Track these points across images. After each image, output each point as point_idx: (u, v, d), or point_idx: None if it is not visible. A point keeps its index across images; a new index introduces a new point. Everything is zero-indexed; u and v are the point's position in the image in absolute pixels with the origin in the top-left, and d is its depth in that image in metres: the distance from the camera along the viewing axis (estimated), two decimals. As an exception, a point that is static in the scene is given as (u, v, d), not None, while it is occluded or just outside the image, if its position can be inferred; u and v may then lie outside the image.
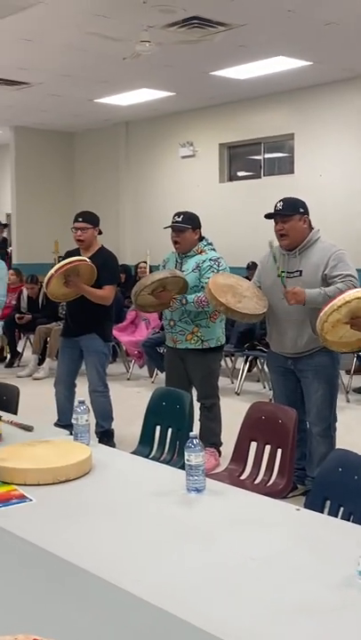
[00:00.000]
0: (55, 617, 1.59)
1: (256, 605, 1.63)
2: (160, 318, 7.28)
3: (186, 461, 2.31)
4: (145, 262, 9.69)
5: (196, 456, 2.29)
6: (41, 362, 8.37)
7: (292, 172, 10.29)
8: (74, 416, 2.78)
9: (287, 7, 6.50)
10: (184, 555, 1.91)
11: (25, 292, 9.07)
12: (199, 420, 4.87)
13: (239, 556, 1.88)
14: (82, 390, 5.18)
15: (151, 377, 7.95)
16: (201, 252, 4.69)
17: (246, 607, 1.63)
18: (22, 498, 2.27)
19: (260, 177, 10.90)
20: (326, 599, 1.65)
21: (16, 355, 9.01)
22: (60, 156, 13.40)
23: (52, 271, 4.81)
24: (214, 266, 4.60)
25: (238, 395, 7.18)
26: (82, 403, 2.80)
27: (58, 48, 7.78)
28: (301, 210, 3.96)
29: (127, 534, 2.04)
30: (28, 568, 1.84)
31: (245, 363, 7.52)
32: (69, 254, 5.20)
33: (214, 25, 6.89)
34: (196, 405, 4.79)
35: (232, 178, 11.40)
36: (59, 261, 4.96)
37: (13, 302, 9.12)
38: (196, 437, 2.32)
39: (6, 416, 3.26)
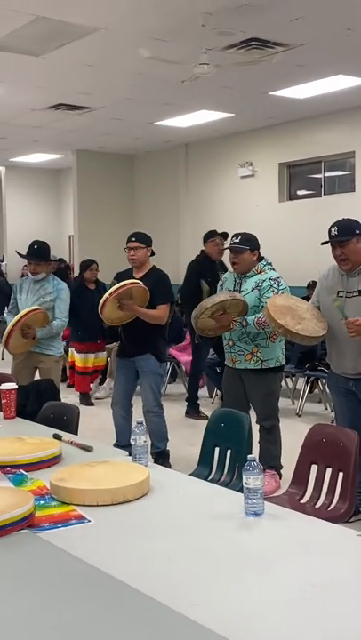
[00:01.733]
0: (110, 638, 1.58)
1: (316, 634, 1.59)
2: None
3: (244, 484, 2.28)
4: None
5: (254, 479, 2.26)
6: (102, 382, 8.45)
7: (353, 190, 10.18)
8: (132, 437, 2.79)
9: (346, 26, 6.47)
10: (242, 579, 1.88)
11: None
12: (259, 442, 4.83)
13: (298, 582, 1.84)
14: (140, 411, 5.20)
15: (211, 397, 7.92)
16: (260, 272, 4.67)
17: (306, 635, 1.59)
18: (81, 518, 2.28)
19: (320, 196, 10.82)
20: (389, 629, 1.60)
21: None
22: (121, 178, 13.60)
23: (107, 295, 4.85)
24: (274, 285, 4.57)
25: (299, 416, 7.09)
26: (140, 424, 2.80)
27: (118, 72, 7.93)
28: (357, 231, 3.90)
29: (185, 557, 2.03)
30: (85, 589, 1.84)
31: (306, 383, 7.43)
32: (120, 275, 5.26)
33: (272, 45, 6.91)
34: (255, 427, 4.77)
35: (292, 197, 11.35)
36: (112, 285, 5.02)
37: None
38: (254, 460, 2.30)
39: (66, 436, 3.29)
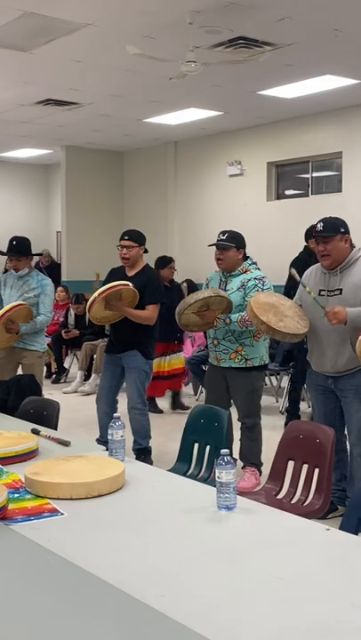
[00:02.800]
0: (79, 630, 1.60)
1: (280, 624, 1.62)
2: (205, 336, 7.28)
3: (217, 478, 2.31)
4: (189, 280, 9.74)
5: (226, 473, 2.28)
6: (87, 378, 8.46)
7: (340, 190, 10.23)
8: (109, 432, 2.81)
9: (333, 26, 6.51)
10: (210, 572, 1.90)
11: (72, 311, 9.19)
12: (240, 439, 4.85)
13: (265, 575, 1.86)
14: (123, 407, 5.22)
15: (196, 394, 7.95)
16: (246, 271, 4.70)
17: (270, 626, 1.61)
18: (54, 511, 2.30)
19: (307, 195, 10.87)
20: (350, 619, 1.63)
21: (63, 370, 9.12)
22: (110, 174, 13.60)
23: (95, 295, 4.85)
24: (259, 285, 4.60)
25: (283, 414, 7.12)
26: (117, 419, 2.82)
27: (107, 69, 7.93)
28: (342, 230, 3.94)
29: (155, 550, 2.05)
30: (55, 581, 1.86)
31: (290, 381, 7.45)
32: (114, 272, 5.26)
33: (260, 45, 6.93)
34: (237, 425, 4.79)
35: (280, 196, 11.39)
36: (99, 287, 5.02)
37: (61, 319, 9.26)
38: (227, 454, 2.32)
39: (45, 431, 3.31)
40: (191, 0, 5.92)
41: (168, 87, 8.35)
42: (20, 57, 7.42)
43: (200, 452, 3.48)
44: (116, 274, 5.21)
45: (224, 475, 2.28)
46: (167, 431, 5.64)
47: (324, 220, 3.97)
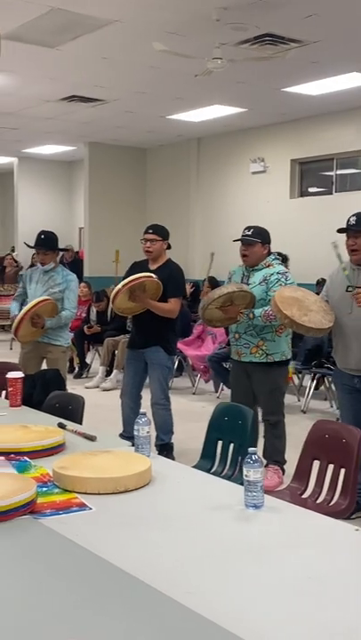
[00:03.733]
0: (105, 624, 1.61)
1: (308, 624, 1.61)
2: (227, 333, 7.28)
3: (244, 477, 2.30)
4: (212, 277, 9.73)
5: (254, 472, 2.28)
6: (109, 373, 8.49)
7: (364, 188, 10.17)
8: (135, 427, 2.81)
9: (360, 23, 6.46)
10: (238, 570, 1.90)
11: (94, 307, 9.23)
12: (264, 436, 4.85)
13: (293, 574, 1.86)
14: (147, 402, 5.23)
15: (217, 392, 7.94)
16: (269, 266, 4.69)
17: (298, 625, 1.61)
18: (82, 506, 2.31)
19: (331, 193, 10.81)
20: (382, 622, 1.62)
21: (85, 366, 9.16)
22: (133, 171, 13.61)
23: (120, 286, 4.88)
24: (281, 279, 4.59)
25: (305, 413, 7.10)
26: (143, 415, 2.82)
27: (132, 65, 7.93)
28: None
29: (182, 547, 2.05)
30: (82, 575, 1.87)
31: (313, 380, 7.44)
32: (136, 265, 5.28)
33: (287, 42, 6.90)
34: (262, 423, 4.79)
35: (303, 194, 11.34)
36: (121, 278, 5.05)
37: (83, 315, 9.29)
38: (255, 453, 2.32)
39: (71, 425, 3.32)
40: (218, -3, 5.90)
41: (192, 84, 8.33)
42: (47, 53, 7.45)
43: (224, 449, 3.48)
44: (138, 267, 5.23)
45: (252, 473, 2.28)
46: (189, 428, 5.64)
47: (357, 214, 3.93)
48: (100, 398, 7.56)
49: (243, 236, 4.72)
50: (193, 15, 6.28)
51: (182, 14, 6.30)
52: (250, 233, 4.69)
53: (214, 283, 10.36)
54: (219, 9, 6.10)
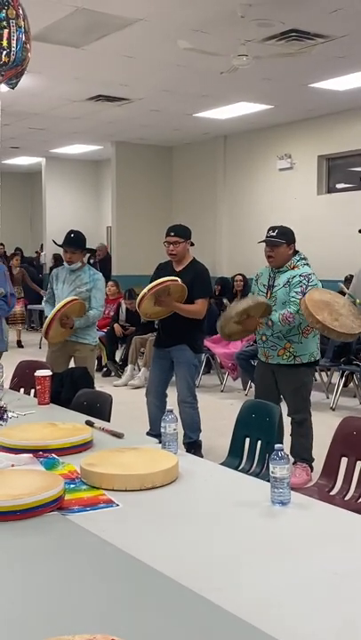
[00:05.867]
0: (133, 619, 1.62)
1: (336, 620, 1.61)
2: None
3: (271, 473, 2.30)
4: (241, 275, 9.71)
5: (281, 468, 2.28)
6: (122, 367, 8.55)
7: (392, 183, 10.07)
8: (162, 425, 2.82)
9: (388, 16, 6.40)
10: (265, 565, 1.90)
11: (123, 306, 9.27)
12: (290, 435, 4.83)
13: (320, 570, 1.85)
14: (173, 400, 5.24)
15: (245, 389, 7.93)
16: (294, 268, 4.67)
17: (325, 620, 1.61)
18: (109, 502, 2.33)
19: (359, 189, 10.72)
20: None
21: (113, 364, 9.20)
22: (159, 169, 13.64)
23: (144, 291, 4.89)
24: (303, 281, 4.56)
25: (333, 410, 7.06)
26: (170, 412, 2.83)
27: (158, 64, 7.95)
28: None
29: (209, 543, 2.06)
30: (110, 570, 1.88)
31: (341, 378, 7.39)
32: (162, 267, 5.28)
33: (313, 37, 6.86)
34: (287, 420, 4.77)
35: (331, 190, 11.26)
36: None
37: (111, 313, 9.33)
38: (281, 449, 2.31)
39: (99, 423, 3.34)
40: (243, -7, 5.89)
41: (218, 81, 8.33)
42: (72, 53, 7.49)
43: (251, 446, 3.47)
44: (163, 269, 5.23)
45: (278, 470, 2.28)
46: (218, 425, 5.64)
47: None
48: (128, 396, 7.59)
49: (267, 237, 4.69)
50: (218, 12, 6.28)
51: (207, 11, 6.29)
52: (274, 234, 4.66)
53: (225, 282, 10.35)
54: (244, 5, 6.08)
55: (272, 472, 2.29)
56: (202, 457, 4.59)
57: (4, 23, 2.75)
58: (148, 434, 4.89)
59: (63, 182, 15.57)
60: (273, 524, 2.21)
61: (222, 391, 8.11)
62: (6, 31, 2.76)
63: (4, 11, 2.77)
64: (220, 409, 7.01)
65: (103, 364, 9.19)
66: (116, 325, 9.10)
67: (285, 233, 4.69)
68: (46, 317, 5.26)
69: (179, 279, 4.98)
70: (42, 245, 15.86)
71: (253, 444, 3.46)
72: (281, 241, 4.63)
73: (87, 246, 5.60)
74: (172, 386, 5.40)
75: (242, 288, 9.42)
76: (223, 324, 4.58)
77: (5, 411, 2.68)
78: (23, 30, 2.92)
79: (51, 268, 12.92)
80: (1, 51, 2.81)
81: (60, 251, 5.67)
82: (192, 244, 5.27)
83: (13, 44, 2.80)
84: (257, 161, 12.07)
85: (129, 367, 8.58)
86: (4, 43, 2.78)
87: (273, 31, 6.72)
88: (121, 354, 9.33)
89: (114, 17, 6.43)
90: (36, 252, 16.00)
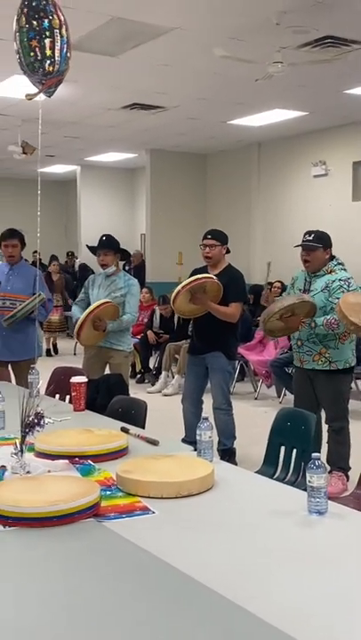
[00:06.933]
0: (169, 627, 1.62)
1: (375, 633, 1.59)
2: (289, 338, 7.22)
3: (308, 482, 2.28)
4: (280, 282, 9.66)
5: (318, 477, 2.26)
6: (156, 375, 8.56)
7: None
8: (197, 432, 2.82)
9: None
10: (301, 575, 1.88)
11: (157, 312, 9.29)
12: (327, 442, 4.79)
13: (358, 581, 1.83)
14: (209, 407, 5.23)
15: (279, 397, 7.89)
16: (331, 272, 4.64)
17: (365, 634, 1.59)
18: (145, 510, 2.33)
19: (395, 195, 10.62)
20: None
21: (147, 371, 9.22)
22: (193, 177, 13.66)
23: (179, 287, 4.91)
24: (344, 286, 4.52)
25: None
26: (205, 419, 2.83)
27: (193, 72, 7.97)
28: None
29: (246, 552, 2.05)
30: (146, 578, 1.88)
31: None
32: (196, 272, 5.29)
33: (348, 43, 6.81)
34: (325, 428, 4.73)
35: (366, 196, 11.16)
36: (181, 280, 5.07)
37: (145, 320, 9.35)
38: (318, 458, 2.29)
39: (134, 429, 3.35)
40: (278, 1, 5.88)
41: (253, 89, 8.32)
42: (108, 62, 7.54)
43: (286, 455, 3.45)
44: (198, 273, 5.23)
45: (315, 479, 2.26)
46: (252, 433, 5.61)
47: None
48: (162, 403, 7.60)
49: (303, 241, 4.67)
50: (253, 20, 6.27)
51: (243, 19, 6.30)
52: (311, 238, 4.64)
53: (257, 290, 10.28)
54: (279, 13, 6.07)
55: (309, 481, 2.28)
56: (236, 464, 4.58)
57: (48, 32, 2.79)
58: (183, 440, 4.88)
59: (98, 190, 15.68)
60: (310, 534, 2.19)
61: (256, 399, 8.07)
62: (50, 40, 2.80)
63: (47, 20, 2.81)
64: (254, 417, 6.98)
65: (137, 370, 9.22)
66: (149, 332, 9.13)
67: (322, 237, 4.66)
68: (76, 319, 5.29)
69: (215, 277, 4.98)
70: (70, 253, 16.01)
71: (289, 452, 3.43)
72: (318, 245, 4.60)
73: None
74: (207, 393, 5.39)
75: (279, 295, 9.36)
76: (265, 319, 4.56)
77: (42, 417, 2.69)
78: (66, 40, 2.96)
79: (80, 277, 13.01)
80: (45, 60, 2.85)
81: (88, 259, 5.71)
82: (228, 252, 5.27)
83: (57, 53, 2.84)
84: (291, 168, 12.02)
85: (163, 374, 8.59)
86: (49, 52, 2.82)
87: (308, 38, 6.69)
88: (155, 361, 9.34)
89: (149, 26, 6.46)
90: (69, 258, 16.14)
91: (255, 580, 1.86)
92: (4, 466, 2.59)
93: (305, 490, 2.35)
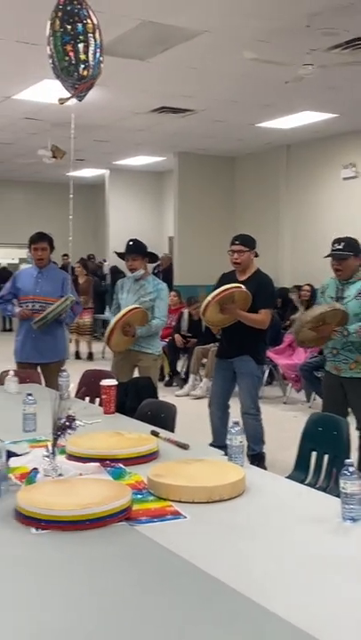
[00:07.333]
0: (200, 632, 1.61)
1: None
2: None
3: (341, 489, 2.25)
4: (309, 285, 9.60)
5: (351, 484, 2.23)
6: (185, 380, 8.54)
7: None
8: (228, 437, 2.80)
9: None
10: (335, 582, 1.86)
11: (185, 314, 9.28)
12: (358, 448, 4.73)
13: (396, 591, 1.80)
14: (236, 412, 5.21)
15: (308, 401, 7.83)
16: (364, 278, 4.58)
17: None
18: (177, 514, 2.31)
19: None
20: None
21: (175, 374, 9.22)
22: (221, 180, 13.64)
23: (209, 299, 4.89)
24: None
25: None
26: (236, 424, 2.81)
27: (222, 75, 7.96)
28: None
29: (279, 558, 2.02)
30: (177, 582, 1.87)
31: None
32: (225, 277, 5.27)
33: (379, 44, 6.76)
34: (355, 434, 4.67)
35: (396, 199, 11.06)
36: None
37: (173, 323, 9.35)
38: (351, 465, 2.26)
39: (164, 433, 3.34)
40: (308, 3, 5.85)
41: (282, 91, 8.29)
42: (137, 66, 7.57)
43: (318, 461, 3.41)
44: (227, 278, 5.22)
45: (349, 485, 2.23)
46: (281, 437, 5.57)
47: None
48: (190, 406, 7.58)
49: (333, 250, 4.61)
50: (283, 22, 6.25)
51: (272, 22, 6.28)
52: (341, 247, 4.57)
53: (285, 294, 10.20)
54: (309, 15, 6.04)
55: (342, 488, 2.25)
56: (265, 469, 4.54)
57: (82, 37, 2.80)
58: (211, 445, 4.87)
59: (126, 194, 15.73)
60: (344, 541, 2.16)
61: (285, 403, 8.02)
62: (84, 45, 2.81)
63: (81, 24, 2.82)
64: (283, 421, 6.93)
65: (165, 373, 9.21)
66: (177, 336, 9.12)
67: (352, 244, 4.60)
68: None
69: (243, 286, 4.96)
70: (91, 256, 16.05)
71: (320, 458, 3.40)
72: (348, 253, 4.54)
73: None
74: (235, 397, 5.36)
75: (308, 298, 9.31)
76: (298, 330, 4.53)
77: (74, 419, 2.70)
78: (99, 44, 2.97)
79: (112, 280, 13.02)
80: (80, 64, 2.86)
81: (119, 263, 5.72)
82: (256, 255, 5.24)
83: (91, 57, 2.85)
84: (321, 170, 11.95)
85: (191, 377, 8.58)
86: (83, 56, 2.83)
87: (338, 40, 6.65)
88: (182, 364, 9.33)
89: (179, 29, 6.47)
90: (99, 263, 16.19)
91: (288, 586, 1.84)
92: (36, 468, 2.59)
93: (337, 496, 2.32)
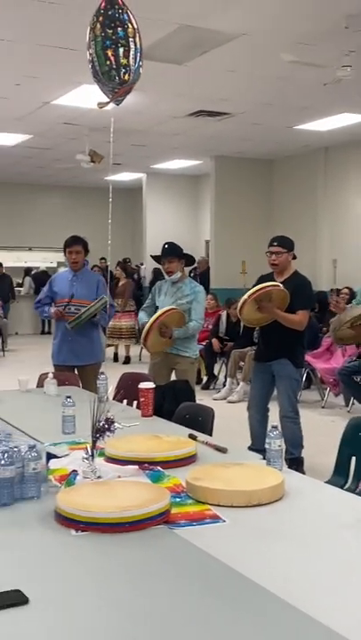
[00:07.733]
0: (237, 635, 1.60)
1: None
2: (357, 346, 7.10)
3: (382, 494, 2.23)
4: (348, 288, 9.51)
5: (393, 489, 2.20)
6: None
7: None
8: (267, 441, 2.78)
9: None
10: (377, 590, 1.84)
11: (223, 317, 9.26)
12: None
13: None
14: (274, 415, 5.18)
15: (347, 406, 7.75)
16: None
17: None
18: (216, 518, 2.31)
19: None
20: None
21: (212, 377, 9.21)
22: (258, 183, 13.59)
23: (246, 296, 4.88)
24: None
25: None
26: (275, 428, 2.79)
27: (259, 77, 7.94)
28: None
29: (319, 563, 2.00)
30: (216, 586, 1.86)
31: None
32: (263, 279, 5.25)
33: None
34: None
35: None
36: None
37: (210, 327, 9.34)
38: (393, 470, 2.23)
39: (201, 437, 3.34)
40: (347, 4, 5.80)
41: (320, 93, 8.23)
42: (175, 70, 7.58)
43: (357, 466, 3.37)
44: (265, 280, 5.19)
45: (390, 490, 2.20)
46: (319, 442, 5.53)
47: None
48: (227, 410, 7.56)
49: None
50: (321, 24, 6.21)
51: (310, 24, 6.24)
52: None
53: (323, 298, 10.09)
54: (348, 16, 5.99)
55: (384, 493, 2.22)
56: (304, 474, 4.51)
57: (123, 41, 2.82)
58: (249, 448, 4.85)
59: (163, 197, 15.78)
60: (385, 547, 2.13)
61: (323, 407, 7.95)
62: (125, 49, 2.83)
63: (122, 28, 2.84)
64: (321, 426, 6.88)
65: (202, 376, 9.21)
66: (214, 340, 9.10)
67: None
68: (143, 323, 5.32)
69: (281, 285, 4.94)
70: (128, 260, 16.07)
71: (360, 463, 3.36)
72: None
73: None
74: (273, 400, 5.33)
75: (348, 301, 9.21)
76: (336, 327, 4.51)
77: (112, 422, 2.71)
78: (139, 49, 2.98)
79: (150, 282, 13.06)
80: (121, 69, 2.88)
81: (159, 266, 5.73)
82: (294, 257, 5.21)
83: (132, 62, 2.87)
84: (359, 173, 11.83)
85: (228, 381, 8.56)
86: (124, 61, 2.84)
87: (378, 40, 6.58)
88: (220, 368, 9.32)
89: (216, 32, 6.47)
90: (136, 266, 16.26)
91: (328, 591, 1.82)
92: (75, 470, 2.61)
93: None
